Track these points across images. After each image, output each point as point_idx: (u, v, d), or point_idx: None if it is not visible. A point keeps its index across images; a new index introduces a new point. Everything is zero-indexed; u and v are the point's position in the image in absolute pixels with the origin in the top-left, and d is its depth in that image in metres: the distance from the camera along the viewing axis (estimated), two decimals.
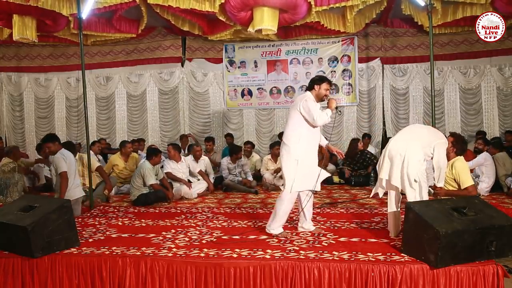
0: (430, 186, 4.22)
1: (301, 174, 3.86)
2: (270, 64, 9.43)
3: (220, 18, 7.47)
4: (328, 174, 4.27)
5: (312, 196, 4.13)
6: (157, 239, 4.02)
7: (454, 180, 4.26)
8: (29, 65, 10.03)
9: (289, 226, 4.28)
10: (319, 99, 4.04)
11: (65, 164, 4.92)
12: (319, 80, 4.05)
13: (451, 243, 3.01)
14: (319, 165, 4.03)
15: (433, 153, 3.81)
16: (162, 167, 6.52)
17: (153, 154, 6.07)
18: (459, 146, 4.28)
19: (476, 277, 3.05)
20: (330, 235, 3.98)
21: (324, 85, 4.02)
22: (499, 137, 8.21)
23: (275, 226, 3.97)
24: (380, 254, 3.37)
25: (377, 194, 4.05)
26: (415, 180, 3.66)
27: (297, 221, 4.24)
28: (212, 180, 7.05)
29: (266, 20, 6.66)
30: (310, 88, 4.08)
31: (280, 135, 7.97)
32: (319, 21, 7.82)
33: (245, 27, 7.23)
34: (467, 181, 4.16)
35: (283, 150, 3.97)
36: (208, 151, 8.14)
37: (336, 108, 4.00)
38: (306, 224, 4.13)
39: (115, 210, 5.48)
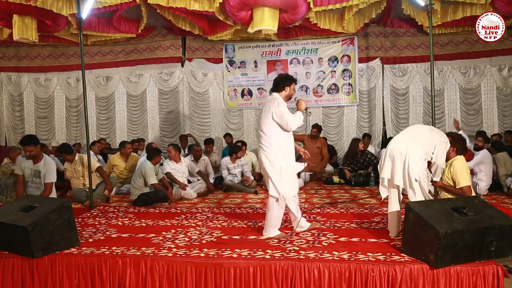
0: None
1: (286, 179, 3.86)
2: (270, 64, 9.43)
3: (219, 17, 7.48)
4: (302, 166, 4.22)
5: (297, 198, 4.11)
6: (157, 239, 4.01)
7: (452, 179, 4.25)
8: (29, 65, 10.04)
9: (289, 226, 4.28)
10: (288, 99, 4.01)
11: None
12: (289, 80, 3.97)
13: (451, 243, 3.01)
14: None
15: (434, 152, 3.81)
16: (161, 164, 6.52)
17: (154, 154, 6.07)
18: (458, 145, 4.27)
19: (476, 277, 3.05)
20: (330, 235, 3.98)
21: (293, 85, 3.99)
22: (499, 134, 8.22)
23: (271, 230, 3.98)
24: (380, 254, 3.37)
25: (379, 194, 4.05)
26: (415, 179, 3.66)
27: None
28: (212, 180, 7.04)
29: (266, 20, 6.66)
30: (280, 89, 3.95)
31: None
32: (317, 23, 7.82)
33: (246, 26, 7.23)
34: (463, 181, 4.12)
35: (264, 158, 3.88)
36: (208, 153, 8.14)
37: (306, 109, 3.97)
38: (302, 223, 4.13)
39: (115, 210, 5.47)
